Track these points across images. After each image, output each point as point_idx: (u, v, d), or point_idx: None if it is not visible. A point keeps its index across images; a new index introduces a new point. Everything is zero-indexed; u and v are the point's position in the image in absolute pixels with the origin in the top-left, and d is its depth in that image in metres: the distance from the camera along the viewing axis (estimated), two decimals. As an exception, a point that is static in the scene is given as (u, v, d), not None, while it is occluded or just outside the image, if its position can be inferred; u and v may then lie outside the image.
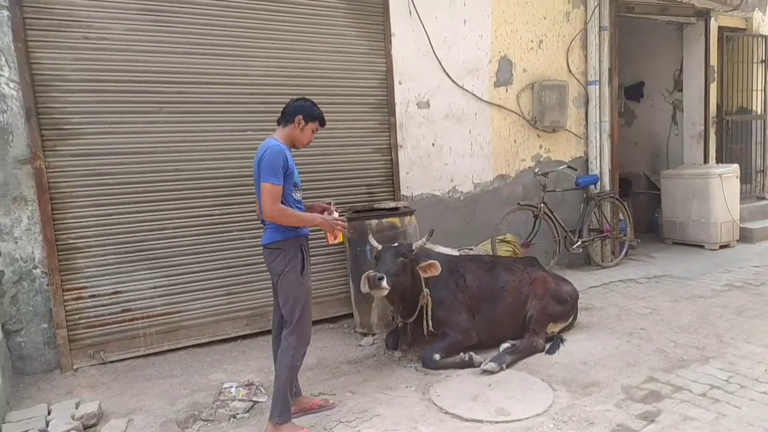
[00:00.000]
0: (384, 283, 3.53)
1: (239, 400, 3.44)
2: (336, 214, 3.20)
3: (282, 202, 2.97)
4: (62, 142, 4.08)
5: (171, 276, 4.44)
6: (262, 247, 3.15)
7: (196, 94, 4.46)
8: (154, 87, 4.32)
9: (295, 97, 3.26)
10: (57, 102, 4.05)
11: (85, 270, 4.18)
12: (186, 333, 4.51)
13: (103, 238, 4.22)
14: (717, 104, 8.04)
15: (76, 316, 4.16)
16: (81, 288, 4.18)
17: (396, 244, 3.98)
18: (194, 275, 4.52)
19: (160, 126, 4.36)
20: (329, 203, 3.32)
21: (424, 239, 3.94)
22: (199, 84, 4.47)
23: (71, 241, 4.13)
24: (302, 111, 3.14)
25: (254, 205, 4.55)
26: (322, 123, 3.24)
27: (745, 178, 8.03)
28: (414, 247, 3.93)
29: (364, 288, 3.65)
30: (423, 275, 3.83)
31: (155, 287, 4.39)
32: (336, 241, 3.20)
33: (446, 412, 3.22)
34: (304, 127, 3.15)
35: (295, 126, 3.13)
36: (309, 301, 3.12)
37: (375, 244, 4.04)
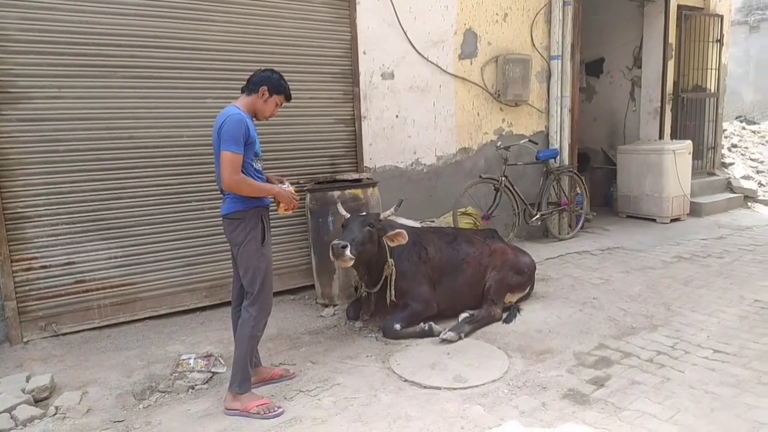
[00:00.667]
0: (347, 251, 3.54)
1: (198, 372, 3.41)
2: (291, 188, 3.19)
3: (242, 172, 2.93)
4: (9, 106, 3.88)
5: (127, 246, 4.33)
6: (221, 218, 3.10)
7: (152, 58, 4.30)
8: (108, 50, 4.13)
9: (263, 67, 3.20)
10: (2, 64, 3.83)
11: (35, 240, 4.03)
12: (143, 305, 4.43)
13: (55, 207, 4.07)
14: (674, 81, 8.25)
15: (26, 288, 4.02)
16: (31, 258, 4.03)
17: (364, 213, 3.97)
18: (152, 246, 4.43)
19: (114, 91, 4.19)
20: (280, 179, 3.33)
21: (392, 209, 3.94)
22: (155, 48, 4.30)
23: (20, 210, 3.96)
24: (268, 82, 3.09)
25: (214, 174, 4.47)
26: (288, 97, 3.20)
27: (697, 154, 8.32)
28: (382, 216, 3.94)
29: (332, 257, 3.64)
30: (390, 244, 3.86)
31: (110, 258, 4.28)
32: (284, 214, 3.18)
33: (405, 380, 3.28)
34: (267, 99, 3.10)
35: (259, 96, 3.08)
36: (270, 271, 3.11)
37: (343, 212, 4.02)
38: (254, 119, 3.12)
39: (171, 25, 4.34)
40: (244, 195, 2.96)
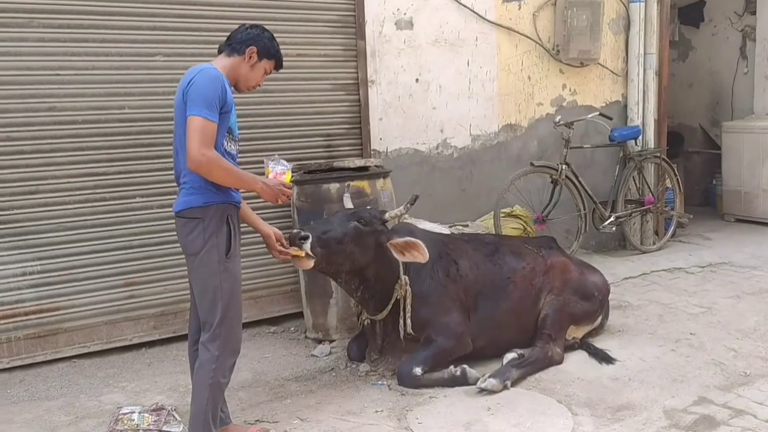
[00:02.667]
0: (306, 245, 3.49)
1: (144, 431, 3.42)
2: (281, 164, 3.20)
3: None
4: None
5: (46, 259, 4.35)
6: (174, 216, 3.10)
7: (82, 1, 4.31)
8: (21, -12, 4.17)
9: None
10: None
11: None
12: (68, 338, 4.45)
13: (-52, 204, 4.11)
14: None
15: None
16: None
17: (369, 208, 3.96)
18: (80, 258, 4.45)
19: (30, 46, 4.21)
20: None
21: (402, 207, 3.92)
22: (85, -14, 4.33)
23: None
24: (257, 42, 3.14)
25: (166, 161, 4.47)
26: (279, 64, 3.28)
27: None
28: (387, 216, 3.92)
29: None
30: (400, 258, 3.82)
31: (24, 274, 4.30)
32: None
33: (429, 446, 3.27)
34: (255, 64, 3.16)
35: (245, 59, 3.13)
36: (237, 294, 3.10)
37: (350, 204, 4.03)
38: (233, 89, 3.15)
39: (108, -45, 4.36)
40: (212, 180, 2.95)
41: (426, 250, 3.72)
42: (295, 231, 3.58)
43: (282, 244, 3.43)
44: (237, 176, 3.01)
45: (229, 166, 2.98)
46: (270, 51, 3.19)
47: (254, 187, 3.07)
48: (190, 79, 2.95)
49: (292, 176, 3.41)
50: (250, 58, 3.13)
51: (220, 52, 3.19)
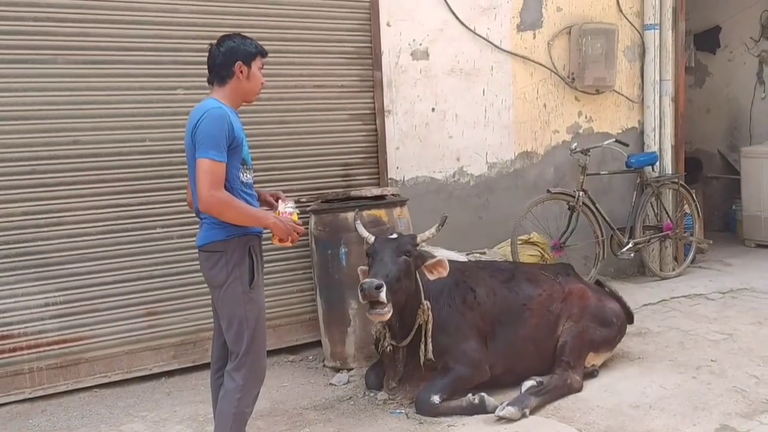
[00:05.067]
0: (383, 294, 3.47)
1: (164, 460, 3.44)
2: (289, 206, 3.22)
3: (225, 186, 2.98)
4: None
5: (69, 290, 4.41)
6: (197, 250, 3.15)
7: (105, 37, 4.42)
8: (46, 26, 4.27)
9: (214, 40, 3.24)
10: None
11: (-54, 281, 4.16)
12: (90, 368, 4.49)
13: (-26, 236, 4.20)
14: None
15: (-66, 346, 4.14)
16: (-60, 306, 4.16)
17: (394, 235, 3.97)
18: (101, 288, 4.50)
19: (56, 81, 4.32)
20: (276, 194, 3.40)
21: (433, 229, 3.95)
22: (109, 24, 4.43)
23: (-73, 241, 4.11)
24: (237, 54, 3.14)
25: (186, 192, 4.54)
26: (264, 53, 3.25)
27: None
28: (419, 239, 3.95)
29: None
30: (429, 276, 3.86)
31: (47, 305, 4.36)
32: (280, 244, 3.21)
33: (448, 475, 3.26)
34: (249, 74, 3.17)
35: (238, 77, 3.15)
36: (262, 323, 3.14)
37: (365, 233, 4.04)
38: (244, 104, 3.23)
39: (130, -8, 4.48)
40: (224, 220, 3.00)
41: (447, 263, 3.81)
42: (367, 282, 3.50)
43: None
44: (249, 214, 3.04)
45: (240, 205, 3.01)
46: (251, 52, 3.17)
47: (266, 223, 3.09)
48: (196, 121, 2.99)
49: (310, 206, 3.44)
50: (241, 72, 3.14)
51: (210, 83, 3.19)
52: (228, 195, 2.97)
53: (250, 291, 3.07)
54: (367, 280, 3.54)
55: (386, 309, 3.55)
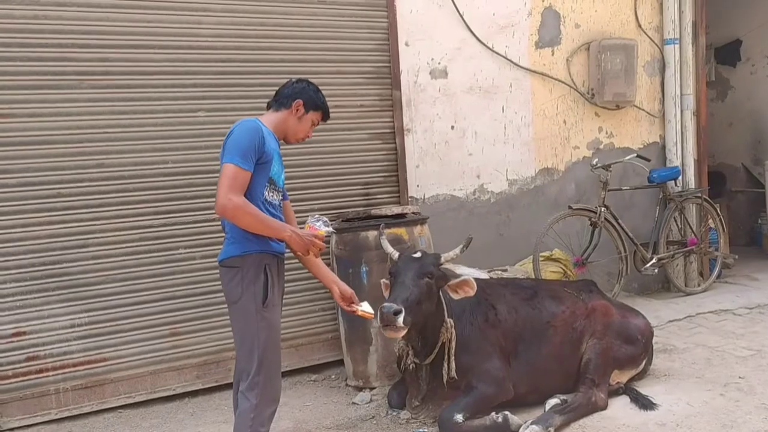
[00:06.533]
0: (400, 320, 3.47)
1: (188, 480, 3.44)
2: (317, 220, 3.22)
3: (246, 197, 3.00)
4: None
5: (94, 310, 4.46)
6: (218, 267, 3.18)
7: (128, 62, 4.50)
8: (71, 52, 4.36)
9: (296, 77, 3.39)
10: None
11: (-27, 303, 4.21)
12: (114, 389, 4.52)
13: (0, 258, 4.25)
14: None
15: (-38, 368, 4.20)
16: (-32, 328, 4.21)
17: (418, 254, 3.97)
18: (126, 309, 4.54)
19: (79, 106, 4.40)
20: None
21: (458, 249, 3.93)
22: (132, 48, 4.51)
23: (-45, 264, 4.18)
24: (303, 95, 3.28)
25: (208, 212, 4.59)
26: (326, 116, 3.42)
27: None
28: (443, 260, 3.94)
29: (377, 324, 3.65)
30: (454, 296, 3.85)
31: (73, 326, 4.41)
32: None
33: (472, 494, 3.22)
34: (303, 116, 3.29)
35: (292, 112, 3.26)
36: (273, 343, 3.14)
37: (390, 249, 4.04)
38: (282, 142, 3.30)
39: (151, 17, 4.55)
40: (240, 226, 3.02)
41: (474, 283, 3.79)
42: (386, 306, 3.48)
43: (351, 300, 3.50)
44: (264, 222, 3.04)
45: (256, 212, 3.01)
46: (316, 102, 3.32)
47: (282, 234, 3.09)
48: (231, 131, 3.08)
49: (331, 226, 3.46)
50: (297, 110, 3.26)
51: (268, 107, 3.32)
52: (245, 201, 2.98)
53: (264, 309, 3.07)
54: (387, 304, 3.53)
55: (399, 330, 3.52)
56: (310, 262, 3.43)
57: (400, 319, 3.47)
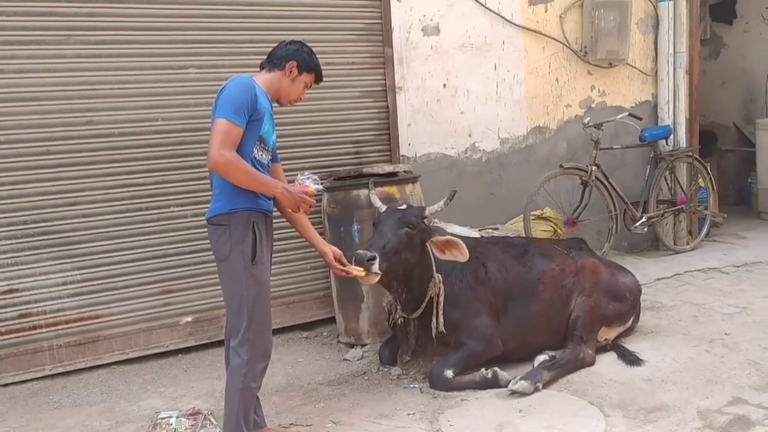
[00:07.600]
0: (375, 266, 3.53)
1: (182, 434, 3.49)
2: (307, 178, 3.21)
3: None
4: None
5: (86, 268, 4.46)
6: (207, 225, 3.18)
7: (116, 17, 4.42)
8: (58, 8, 4.28)
9: (289, 39, 3.34)
10: None
11: (-36, 261, 4.21)
12: (108, 345, 4.55)
13: (-9, 217, 4.24)
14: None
15: (-46, 325, 4.20)
16: (-40, 286, 4.21)
17: (403, 206, 3.98)
18: (118, 267, 4.55)
19: (68, 62, 4.34)
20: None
21: (442, 202, 3.95)
22: (120, 3, 4.42)
23: (-55, 222, 4.16)
24: (297, 56, 3.25)
25: (199, 170, 4.57)
26: (319, 79, 3.38)
27: None
28: (427, 212, 3.96)
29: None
30: (440, 256, 3.87)
31: (65, 283, 4.42)
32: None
33: (461, 447, 3.28)
34: (296, 78, 3.26)
35: (285, 74, 3.23)
36: (262, 300, 3.14)
37: (378, 203, 4.07)
38: (275, 104, 3.27)
39: (140, -28, 4.47)
40: (231, 181, 3.00)
41: (465, 250, 3.77)
42: (360, 252, 3.54)
43: (341, 262, 3.49)
44: (256, 178, 3.03)
45: (248, 168, 3.00)
46: (309, 65, 3.28)
47: (274, 191, 3.09)
48: (222, 87, 3.05)
49: (322, 184, 3.45)
50: (290, 72, 3.23)
51: (261, 68, 3.29)
52: (237, 156, 2.96)
53: (252, 267, 3.07)
54: (360, 251, 3.57)
55: (373, 277, 3.54)
56: (300, 224, 3.42)
57: (375, 265, 3.52)
